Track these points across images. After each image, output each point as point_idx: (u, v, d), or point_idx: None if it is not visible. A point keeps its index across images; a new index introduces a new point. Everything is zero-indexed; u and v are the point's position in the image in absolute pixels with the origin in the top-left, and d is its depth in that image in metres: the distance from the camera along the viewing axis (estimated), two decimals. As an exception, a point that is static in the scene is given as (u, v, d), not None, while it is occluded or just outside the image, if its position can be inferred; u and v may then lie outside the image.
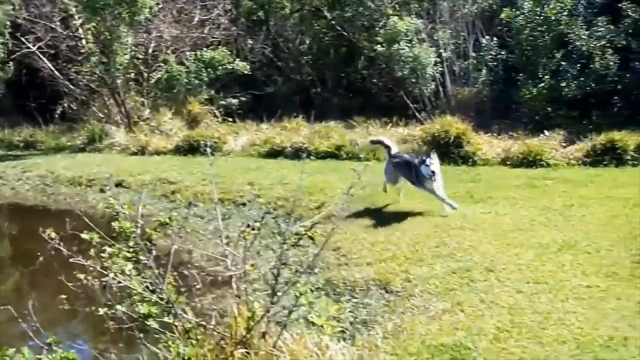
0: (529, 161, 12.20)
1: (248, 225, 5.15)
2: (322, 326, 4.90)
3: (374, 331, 6.08)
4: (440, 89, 15.78)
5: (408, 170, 9.71)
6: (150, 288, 4.64)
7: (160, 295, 4.58)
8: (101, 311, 4.57)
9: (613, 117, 13.11)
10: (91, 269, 4.54)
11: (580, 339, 5.47)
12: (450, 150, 12.78)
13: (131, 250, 4.69)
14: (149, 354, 5.10)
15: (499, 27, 15.81)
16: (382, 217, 9.57)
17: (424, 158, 9.41)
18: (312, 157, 13.33)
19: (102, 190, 13.19)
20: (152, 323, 4.55)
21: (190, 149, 15.87)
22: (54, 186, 14.83)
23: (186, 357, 4.45)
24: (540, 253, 7.59)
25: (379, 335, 5.91)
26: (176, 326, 4.73)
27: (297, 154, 13.98)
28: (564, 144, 12.75)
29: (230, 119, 18.02)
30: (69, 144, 18.65)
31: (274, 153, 14.92)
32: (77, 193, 13.98)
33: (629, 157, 11.78)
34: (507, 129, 13.86)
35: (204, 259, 8.82)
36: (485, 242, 8.11)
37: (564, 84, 13.68)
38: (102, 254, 4.56)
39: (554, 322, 5.83)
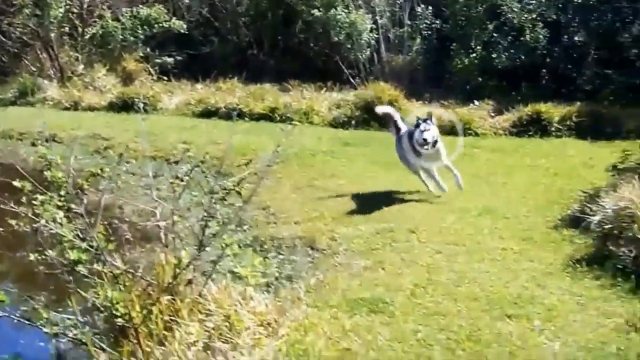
0: (459, 130, 12.46)
1: (177, 177, 5.30)
2: (246, 277, 5.08)
3: (298, 285, 6.30)
4: (375, 55, 15.95)
5: (408, 140, 8.64)
6: (81, 236, 4.75)
7: (90, 243, 4.70)
8: (32, 256, 4.67)
9: (540, 90, 13.46)
10: (23, 215, 4.62)
11: (491, 296, 5.77)
12: (382, 117, 12.98)
13: (62, 199, 4.78)
14: (79, 299, 5.24)
15: (434, -3, 15.99)
16: (314, 179, 9.79)
17: (418, 122, 8.31)
18: (246, 119, 13.40)
19: (33, 144, 12.98)
20: (82, 269, 4.67)
21: (124, 106, 15.73)
22: (-17, 139, 14.64)
23: (114, 302, 4.60)
24: (461, 217, 7.91)
25: (302, 289, 6.14)
26: (105, 273, 4.86)
27: (231, 114, 14.02)
28: (492, 114, 13.05)
29: (165, 78, 17.84)
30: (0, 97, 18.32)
31: (208, 113, 14.92)
32: (8, 146, 13.84)
33: (553, 129, 12.15)
34: (439, 98, 14.08)
35: (135, 214, 8.95)
36: (410, 206, 8.39)
37: (495, 55, 13.93)
38: (34, 202, 4.63)
39: (468, 280, 6.13)
